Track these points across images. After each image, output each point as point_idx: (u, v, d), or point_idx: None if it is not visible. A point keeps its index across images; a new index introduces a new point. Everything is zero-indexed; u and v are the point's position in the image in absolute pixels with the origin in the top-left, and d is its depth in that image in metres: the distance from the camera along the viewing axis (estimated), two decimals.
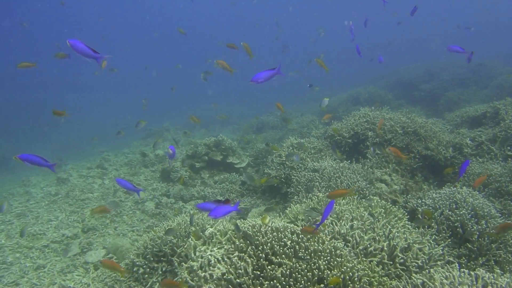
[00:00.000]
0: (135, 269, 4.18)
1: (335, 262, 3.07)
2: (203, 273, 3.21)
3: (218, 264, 3.25)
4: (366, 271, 3.24)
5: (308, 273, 2.92)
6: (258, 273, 3.03)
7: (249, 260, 3.15)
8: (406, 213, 4.34)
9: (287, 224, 3.83)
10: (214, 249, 3.53)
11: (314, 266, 3.00)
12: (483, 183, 5.37)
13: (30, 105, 27.31)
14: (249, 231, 3.48)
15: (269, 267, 3.04)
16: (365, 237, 3.66)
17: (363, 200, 4.46)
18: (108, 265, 3.50)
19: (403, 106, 13.11)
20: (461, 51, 5.75)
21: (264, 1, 48.12)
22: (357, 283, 2.99)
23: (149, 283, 4.01)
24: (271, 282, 2.89)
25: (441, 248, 3.80)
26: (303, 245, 3.22)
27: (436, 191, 4.87)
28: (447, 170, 5.71)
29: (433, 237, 4.07)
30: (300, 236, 3.32)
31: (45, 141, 18.24)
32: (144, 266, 4.13)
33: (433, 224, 4.27)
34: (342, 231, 3.74)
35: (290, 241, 3.26)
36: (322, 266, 2.99)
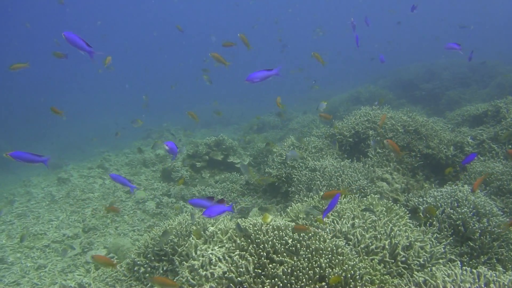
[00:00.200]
0: (136, 268, 4.17)
1: (337, 260, 3.06)
2: (204, 272, 3.20)
3: (219, 263, 3.25)
4: (367, 269, 3.23)
5: (309, 271, 2.91)
6: (260, 271, 3.02)
7: (250, 258, 3.14)
8: (408, 212, 4.33)
9: (288, 222, 3.82)
10: (215, 248, 3.52)
11: (315, 264, 2.99)
12: (485, 182, 5.36)
13: (30, 106, 27.34)
14: (250, 229, 3.47)
15: (270, 265, 3.03)
16: (367, 236, 3.65)
17: (364, 198, 4.45)
18: (100, 260, 3.48)
19: (404, 105, 13.09)
20: (457, 48, 5.75)
21: (263, 1, 48.08)
22: (359, 281, 2.98)
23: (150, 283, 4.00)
24: (273, 280, 2.88)
25: (443, 246, 3.78)
26: (305, 244, 3.21)
27: (438, 189, 4.86)
28: (448, 170, 5.70)
29: (435, 235, 4.06)
30: (301, 234, 3.31)
31: (45, 142, 18.25)
32: (145, 266, 4.12)
33: (434, 222, 4.26)
34: (344, 230, 3.73)
35: (291, 240, 3.25)
36: (323, 264, 2.98)
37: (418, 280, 3.05)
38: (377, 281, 3.19)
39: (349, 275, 2.96)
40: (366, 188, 5.12)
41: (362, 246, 3.55)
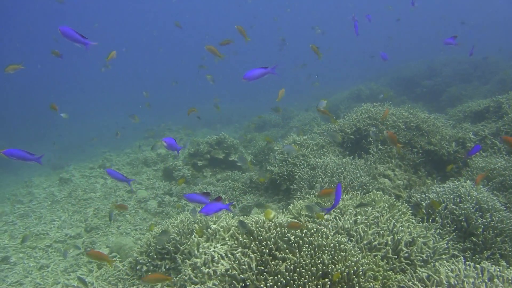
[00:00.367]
0: (138, 267, 4.16)
1: (339, 257, 3.05)
2: (207, 270, 3.19)
3: (222, 260, 3.24)
4: (370, 266, 3.22)
5: (312, 268, 2.90)
6: (262, 268, 3.01)
7: (252, 255, 3.13)
8: (410, 208, 4.31)
9: (291, 219, 3.82)
10: (218, 245, 3.52)
11: (318, 260, 2.98)
12: (487, 177, 5.34)
13: (31, 106, 27.37)
14: (253, 227, 3.46)
15: (273, 262, 3.02)
16: (369, 232, 3.63)
17: (367, 195, 4.44)
18: (94, 256, 3.47)
19: (405, 102, 13.06)
20: (453, 43, 5.75)
21: (261, 1, 47.97)
22: (362, 277, 2.97)
23: None
24: (275, 277, 2.87)
25: (446, 242, 3.77)
26: (307, 240, 3.20)
27: (440, 185, 4.84)
28: (449, 167, 5.69)
29: (438, 231, 4.04)
30: (304, 231, 3.30)
31: (46, 142, 18.26)
32: (148, 264, 4.12)
33: (437, 218, 4.25)
34: (346, 226, 3.72)
35: (293, 236, 3.24)
36: (326, 261, 2.97)
37: (422, 275, 3.03)
38: (380, 277, 3.18)
39: (352, 271, 2.95)
40: (368, 184, 5.10)
41: (364, 242, 3.54)
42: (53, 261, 5.71)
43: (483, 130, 6.77)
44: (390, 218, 3.89)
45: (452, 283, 2.78)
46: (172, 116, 21.26)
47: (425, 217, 4.34)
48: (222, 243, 3.54)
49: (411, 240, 3.61)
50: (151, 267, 4.09)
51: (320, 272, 2.91)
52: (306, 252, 3.07)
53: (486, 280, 2.80)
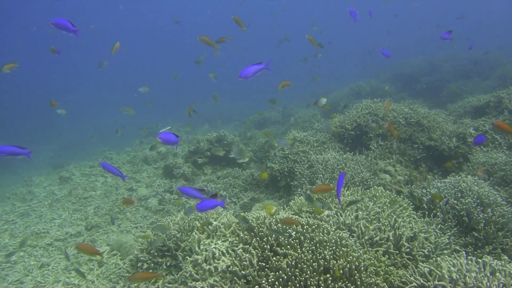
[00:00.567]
0: (139, 264, 4.15)
1: (341, 252, 3.04)
2: (208, 266, 3.18)
3: (223, 257, 3.23)
4: (372, 261, 3.21)
5: (313, 263, 2.89)
6: (263, 264, 3.00)
7: (254, 251, 3.12)
8: (411, 203, 4.30)
9: (292, 215, 3.80)
10: (219, 242, 3.51)
11: (319, 256, 2.97)
12: (488, 172, 5.33)
13: (31, 106, 27.34)
14: (254, 223, 3.45)
15: (274, 258, 3.01)
16: (371, 227, 3.62)
17: (368, 190, 4.43)
18: (84, 249, 3.45)
19: (405, 99, 12.99)
20: (448, 38, 5.75)
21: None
22: (364, 272, 2.96)
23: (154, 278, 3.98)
24: (277, 273, 2.86)
25: (447, 237, 3.76)
26: (308, 236, 3.19)
27: (441, 180, 4.83)
28: (448, 164, 5.68)
29: (439, 226, 4.03)
30: (305, 227, 3.29)
31: (47, 141, 18.24)
32: (149, 261, 4.11)
33: (438, 213, 4.24)
34: (347, 222, 3.71)
35: (295, 232, 3.23)
36: (327, 256, 2.96)
37: (423, 270, 3.02)
38: (382, 273, 3.18)
39: (353, 267, 2.94)
40: (369, 180, 5.09)
41: (366, 237, 3.53)
42: (53, 260, 5.70)
43: (484, 125, 6.75)
44: (392, 214, 3.88)
45: (454, 277, 2.77)
46: (173, 114, 21.22)
47: (426, 212, 4.33)
48: (223, 239, 3.53)
49: (412, 235, 3.60)
50: (152, 265, 4.08)
51: (322, 268, 2.90)
52: (308, 248, 3.06)
53: (488, 274, 2.79)
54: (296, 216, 3.74)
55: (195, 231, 3.90)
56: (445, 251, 3.56)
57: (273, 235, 3.21)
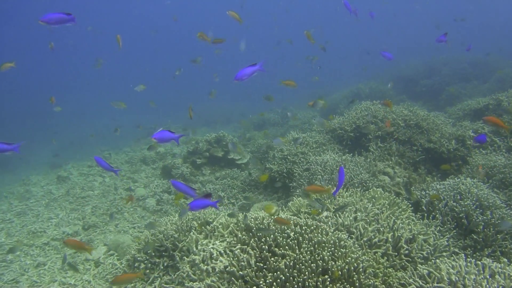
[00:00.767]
0: (136, 264, 4.12)
1: (340, 253, 3.02)
2: (205, 267, 3.16)
3: (221, 257, 3.20)
4: (371, 262, 3.19)
5: (312, 264, 2.87)
6: (261, 265, 2.98)
7: (252, 252, 3.09)
8: (410, 205, 4.28)
9: (290, 216, 3.78)
10: (216, 242, 3.48)
11: (318, 257, 2.95)
12: (487, 175, 5.31)
13: (30, 105, 27.29)
14: (252, 223, 3.43)
15: (272, 258, 2.98)
16: (369, 229, 3.60)
17: (367, 192, 4.41)
18: (72, 245, 3.42)
19: (405, 101, 12.99)
20: (444, 40, 5.78)
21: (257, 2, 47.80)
22: (362, 274, 2.94)
23: (151, 279, 3.96)
24: (275, 273, 2.84)
25: (446, 239, 3.74)
26: (307, 237, 3.17)
27: (440, 182, 4.81)
28: (444, 166, 5.67)
29: (438, 228, 4.01)
30: (304, 227, 3.27)
31: (46, 142, 18.19)
32: (146, 262, 4.08)
33: (437, 215, 4.22)
34: (346, 223, 3.68)
35: (293, 233, 3.21)
36: (326, 257, 2.93)
37: (422, 272, 3.00)
38: (381, 274, 3.15)
39: (352, 268, 2.92)
40: (368, 182, 5.07)
41: (365, 239, 3.51)
42: (50, 259, 5.66)
43: (483, 128, 6.74)
44: (390, 215, 3.86)
45: (453, 279, 2.75)
46: (172, 115, 21.19)
47: (425, 214, 4.32)
48: (221, 240, 3.51)
49: (411, 237, 3.58)
50: (149, 265, 4.05)
51: (320, 269, 2.88)
52: (306, 249, 3.03)
53: (488, 277, 2.77)
54: (295, 217, 3.71)
55: (193, 231, 3.88)
56: (444, 254, 3.54)
57: (271, 236, 3.18)
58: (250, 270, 2.95)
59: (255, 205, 6.00)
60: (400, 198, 4.54)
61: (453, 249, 3.76)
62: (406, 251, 3.46)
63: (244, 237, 3.30)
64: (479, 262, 2.95)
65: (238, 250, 3.17)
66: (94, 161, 4.38)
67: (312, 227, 3.33)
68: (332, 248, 3.06)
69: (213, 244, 3.44)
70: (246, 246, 3.20)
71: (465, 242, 4.03)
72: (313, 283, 2.78)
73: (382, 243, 3.49)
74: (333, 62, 29.17)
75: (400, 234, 3.54)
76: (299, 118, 12.90)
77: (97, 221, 6.79)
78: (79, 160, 12.06)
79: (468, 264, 2.96)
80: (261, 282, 2.82)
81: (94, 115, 24.13)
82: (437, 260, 3.17)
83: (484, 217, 4.04)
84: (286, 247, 3.08)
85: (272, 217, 3.50)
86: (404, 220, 3.86)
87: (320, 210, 3.90)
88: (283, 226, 3.26)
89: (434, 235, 3.74)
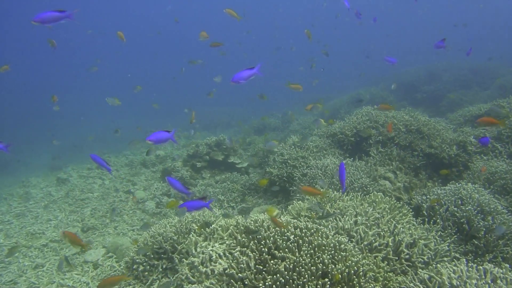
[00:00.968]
0: (135, 266, 4.10)
1: (340, 257, 2.99)
2: (205, 269, 3.13)
3: (220, 260, 3.18)
4: (371, 266, 3.16)
5: (312, 267, 2.85)
6: (261, 267, 2.95)
7: (251, 254, 3.07)
8: (411, 210, 4.26)
9: (290, 219, 3.76)
10: (216, 244, 3.46)
11: (318, 260, 2.92)
12: (489, 181, 5.30)
13: (30, 107, 27.33)
14: (252, 226, 3.41)
15: (272, 261, 2.96)
16: (370, 233, 3.58)
17: (367, 196, 4.39)
18: (70, 237, 3.39)
19: (405, 107, 13.00)
20: (442, 46, 5.79)
21: (256, 3, 47.96)
22: (362, 278, 2.91)
23: (149, 281, 3.93)
24: (274, 276, 2.81)
25: (447, 244, 3.72)
26: (307, 239, 3.15)
27: (441, 187, 4.79)
28: (444, 171, 5.65)
29: (439, 233, 3.99)
30: (304, 230, 3.24)
31: (46, 143, 18.18)
32: (144, 264, 4.05)
33: (438, 220, 4.20)
34: (346, 227, 3.66)
35: (293, 235, 3.18)
36: (326, 260, 2.91)
37: (423, 277, 2.98)
38: (381, 278, 3.13)
39: (352, 272, 2.89)
40: (368, 186, 5.06)
41: (365, 243, 3.49)
42: (48, 261, 5.63)
43: (484, 134, 6.72)
44: (391, 220, 3.84)
45: (455, 284, 2.72)
46: (171, 119, 21.20)
47: (426, 218, 4.29)
48: (220, 242, 3.48)
49: (412, 241, 3.56)
50: (148, 267, 4.03)
51: (320, 272, 2.85)
52: (306, 252, 3.01)
53: (489, 282, 2.74)
54: (295, 220, 3.69)
55: (192, 233, 3.85)
56: (445, 258, 3.52)
57: (271, 238, 3.16)
58: (249, 272, 2.92)
59: (255, 208, 5.98)
60: (401, 202, 4.52)
61: (454, 254, 3.73)
62: (407, 256, 3.43)
63: (243, 239, 3.28)
64: (481, 267, 2.93)
65: (238, 253, 3.15)
66: (92, 160, 4.36)
67: (312, 230, 3.30)
68: (332, 252, 3.03)
69: (212, 247, 3.42)
70: (245, 249, 3.17)
71: (466, 247, 4.00)
72: (313, 286, 2.75)
73: (382, 247, 3.47)
74: (334, 65, 29.23)
75: (400, 239, 3.52)
76: (300, 123, 12.90)
77: (96, 223, 6.76)
78: (79, 162, 12.04)
79: (470, 269, 2.93)
80: (260, 284, 2.80)
81: (94, 116, 24.17)
82: (438, 265, 3.15)
83: (486, 223, 4.01)
84: (286, 249, 3.06)
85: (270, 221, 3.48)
86: (404, 224, 3.84)
87: (320, 214, 3.88)
88: (282, 229, 3.24)
89: (435, 240, 3.71)
